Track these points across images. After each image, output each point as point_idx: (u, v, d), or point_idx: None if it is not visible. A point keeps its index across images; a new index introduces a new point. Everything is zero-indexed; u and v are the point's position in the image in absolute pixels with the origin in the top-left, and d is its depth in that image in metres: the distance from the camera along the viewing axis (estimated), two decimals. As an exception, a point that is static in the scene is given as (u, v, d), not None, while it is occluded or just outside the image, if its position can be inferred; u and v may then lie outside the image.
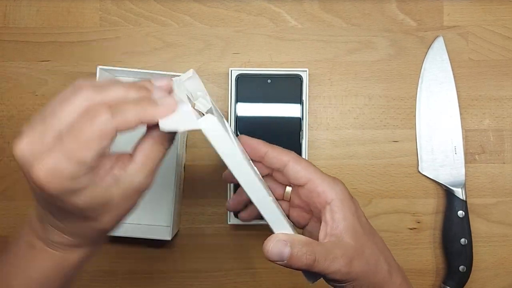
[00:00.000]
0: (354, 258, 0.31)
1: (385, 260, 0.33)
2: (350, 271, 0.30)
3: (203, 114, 0.31)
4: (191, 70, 0.32)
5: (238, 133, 0.48)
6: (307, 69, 0.49)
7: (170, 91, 0.30)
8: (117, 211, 0.29)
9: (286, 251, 0.30)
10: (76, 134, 0.24)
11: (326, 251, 0.30)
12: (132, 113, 0.26)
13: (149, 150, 0.28)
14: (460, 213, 0.50)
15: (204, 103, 0.32)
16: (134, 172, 0.28)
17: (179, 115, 0.27)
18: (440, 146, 0.51)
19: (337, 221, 0.32)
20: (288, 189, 0.37)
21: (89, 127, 0.24)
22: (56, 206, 0.27)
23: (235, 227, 0.51)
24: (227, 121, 0.49)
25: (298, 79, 0.49)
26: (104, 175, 0.27)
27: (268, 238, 0.31)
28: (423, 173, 0.51)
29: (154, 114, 0.27)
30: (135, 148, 0.29)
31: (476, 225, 0.51)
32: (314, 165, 0.34)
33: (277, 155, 0.35)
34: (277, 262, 0.30)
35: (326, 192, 0.32)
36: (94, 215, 0.28)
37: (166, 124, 0.27)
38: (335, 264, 0.30)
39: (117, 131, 0.25)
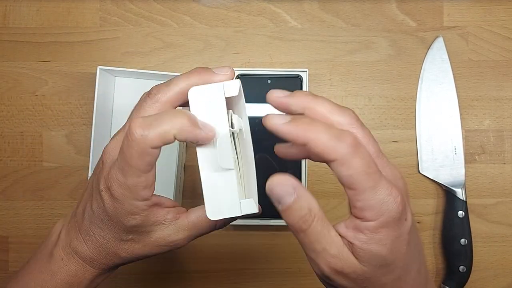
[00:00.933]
0: (350, 273, 0.25)
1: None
2: (332, 278, 0.25)
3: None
4: (238, 80, 0.27)
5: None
6: (307, 70, 0.49)
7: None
8: (144, 248, 0.30)
9: (292, 193, 0.24)
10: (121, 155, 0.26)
11: (326, 236, 0.24)
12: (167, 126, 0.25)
13: (202, 219, 0.30)
14: (460, 213, 0.50)
15: (237, 123, 0.28)
16: (180, 228, 0.30)
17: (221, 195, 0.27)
18: (440, 146, 0.51)
19: (358, 239, 0.24)
20: None
21: (125, 146, 0.25)
22: (107, 215, 0.29)
23: (235, 227, 0.51)
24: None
25: (298, 79, 0.49)
26: (159, 213, 0.29)
27: (279, 176, 0.24)
28: (423, 173, 0.51)
29: (194, 134, 0.26)
30: (196, 209, 0.31)
31: (476, 226, 0.51)
32: (379, 159, 0.26)
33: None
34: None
35: (364, 210, 0.23)
36: (126, 237, 0.29)
37: (213, 215, 0.27)
38: (320, 257, 0.24)
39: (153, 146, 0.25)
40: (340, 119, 0.24)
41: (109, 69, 0.48)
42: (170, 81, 0.28)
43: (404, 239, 0.24)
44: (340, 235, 0.24)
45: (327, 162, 0.23)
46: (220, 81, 0.27)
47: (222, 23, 0.53)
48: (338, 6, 0.53)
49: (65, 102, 0.52)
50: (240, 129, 0.29)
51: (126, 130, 0.25)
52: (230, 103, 0.28)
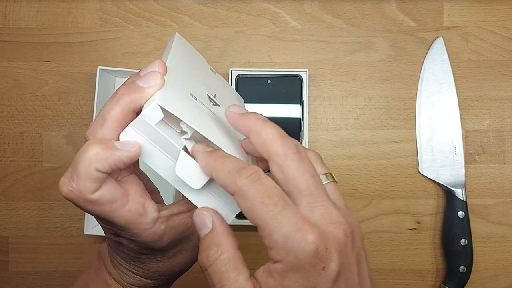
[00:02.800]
0: None
1: None
2: None
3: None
4: (155, 105, 0.23)
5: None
6: (307, 70, 0.49)
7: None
8: (194, 251, 0.30)
9: (208, 226, 0.24)
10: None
11: (230, 280, 0.22)
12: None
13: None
14: (460, 213, 0.50)
15: (187, 133, 0.25)
16: None
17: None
18: (440, 146, 0.51)
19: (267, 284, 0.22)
20: None
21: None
22: (139, 252, 0.28)
23: (235, 227, 0.51)
24: None
25: (298, 79, 0.49)
26: (185, 219, 0.28)
27: (204, 207, 0.25)
28: (423, 173, 0.51)
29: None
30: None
31: (476, 226, 0.51)
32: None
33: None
34: None
35: (273, 251, 0.21)
36: (172, 254, 0.29)
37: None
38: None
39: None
40: (279, 149, 0.22)
41: (109, 69, 0.48)
42: (103, 118, 0.24)
43: None
44: (257, 281, 0.22)
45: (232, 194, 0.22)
46: (150, 95, 0.25)
47: (222, 23, 0.53)
48: (338, 7, 0.53)
49: (65, 102, 0.52)
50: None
51: None
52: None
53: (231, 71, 0.49)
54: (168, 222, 0.27)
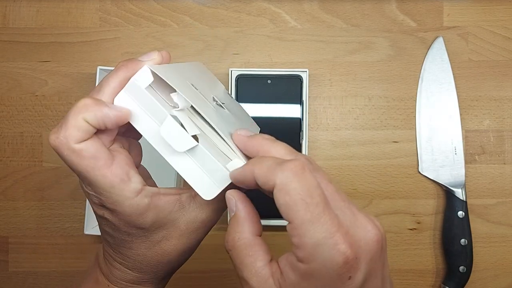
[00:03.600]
0: None
1: None
2: None
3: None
4: (145, 67, 0.26)
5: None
6: (307, 70, 0.49)
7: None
8: (181, 240, 0.29)
9: (233, 210, 0.25)
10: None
11: (248, 265, 0.22)
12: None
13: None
14: (460, 213, 0.50)
15: (182, 101, 0.26)
16: (203, 204, 0.28)
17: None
18: (440, 146, 0.51)
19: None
20: None
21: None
22: (123, 231, 0.28)
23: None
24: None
25: (298, 79, 0.49)
26: (172, 201, 0.28)
27: (231, 190, 0.25)
28: (423, 173, 0.51)
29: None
30: None
31: (476, 226, 0.51)
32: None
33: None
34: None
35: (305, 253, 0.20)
36: (157, 238, 0.28)
37: (208, 194, 0.26)
38: (243, 283, 0.22)
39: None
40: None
41: (109, 69, 0.48)
42: (100, 86, 0.26)
43: None
44: (279, 267, 0.22)
45: (271, 190, 0.21)
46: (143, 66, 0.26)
47: (222, 23, 0.53)
48: (338, 6, 0.53)
49: (65, 102, 0.52)
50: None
51: None
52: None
53: (231, 71, 0.49)
54: (153, 198, 0.27)
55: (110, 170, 0.25)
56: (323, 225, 0.19)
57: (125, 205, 0.26)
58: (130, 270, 0.30)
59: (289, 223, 0.20)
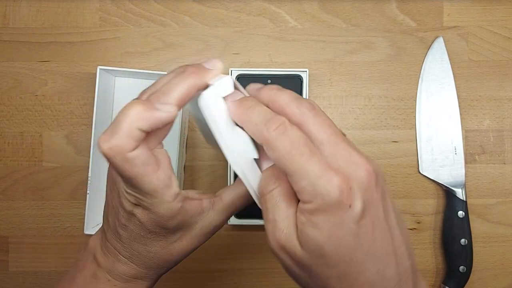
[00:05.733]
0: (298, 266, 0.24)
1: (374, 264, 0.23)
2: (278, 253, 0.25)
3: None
4: (228, 77, 0.28)
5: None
6: (307, 70, 0.49)
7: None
8: (192, 241, 0.31)
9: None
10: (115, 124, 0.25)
11: (281, 209, 0.25)
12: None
13: (237, 196, 0.31)
14: (460, 213, 0.50)
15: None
16: (220, 211, 0.31)
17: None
18: (440, 146, 0.51)
19: (299, 222, 0.24)
20: None
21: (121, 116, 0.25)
22: (146, 229, 0.29)
23: (235, 227, 0.51)
24: None
25: (298, 79, 0.49)
26: (196, 206, 0.29)
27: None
28: (423, 173, 0.51)
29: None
30: (225, 190, 0.31)
31: (476, 226, 0.51)
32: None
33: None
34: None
35: (302, 190, 0.23)
36: (174, 239, 0.30)
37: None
38: (270, 227, 0.25)
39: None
40: (296, 111, 0.25)
41: (109, 69, 0.48)
42: (168, 88, 0.26)
43: (349, 229, 0.22)
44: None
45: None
46: (214, 76, 0.28)
47: (222, 23, 0.53)
48: (338, 6, 0.53)
49: (65, 102, 0.52)
50: None
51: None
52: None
53: (231, 71, 0.49)
54: (184, 202, 0.28)
55: (156, 175, 0.26)
56: (313, 167, 0.22)
57: (162, 208, 0.27)
58: (136, 265, 0.31)
59: (287, 175, 0.23)
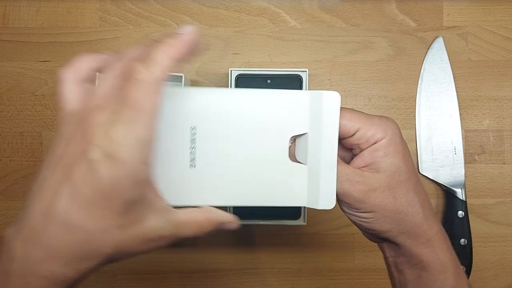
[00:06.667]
0: (376, 190, 0.29)
1: (420, 204, 0.30)
2: (365, 200, 0.29)
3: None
4: (337, 93, 0.29)
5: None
6: (306, 70, 0.49)
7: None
8: (130, 240, 0.25)
9: None
10: (126, 103, 0.23)
11: (347, 171, 0.29)
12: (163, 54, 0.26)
13: (194, 220, 0.28)
14: (460, 213, 0.50)
15: None
16: (171, 221, 0.27)
17: None
18: (440, 146, 0.51)
19: (377, 156, 0.30)
20: None
21: (133, 88, 0.23)
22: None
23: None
24: None
25: (297, 79, 0.49)
26: (157, 194, 0.26)
27: None
28: (423, 173, 0.51)
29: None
30: (184, 209, 0.28)
31: (476, 226, 0.51)
32: (358, 112, 0.31)
33: None
34: None
35: (376, 135, 0.30)
36: (121, 223, 0.24)
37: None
38: (347, 186, 0.29)
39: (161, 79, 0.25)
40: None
41: (109, 69, 0.48)
42: (154, 61, 0.25)
43: (408, 151, 0.31)
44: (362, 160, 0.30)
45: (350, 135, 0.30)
46: (188, 41, 0.28)
47: (222, 23, 0.53)
48: (338, 6, 0.53)
49: (65, 102, 0.52)
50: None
51: (120, 71, 0.25)
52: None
53: (231, 71, 0.49)
54: (149, 184, 0.26)
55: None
56: (373, 118, 0.30)
57: (135, 165, 0.23)
58: (59, 255, 0.25)
59: (359, 132, 0.30)
